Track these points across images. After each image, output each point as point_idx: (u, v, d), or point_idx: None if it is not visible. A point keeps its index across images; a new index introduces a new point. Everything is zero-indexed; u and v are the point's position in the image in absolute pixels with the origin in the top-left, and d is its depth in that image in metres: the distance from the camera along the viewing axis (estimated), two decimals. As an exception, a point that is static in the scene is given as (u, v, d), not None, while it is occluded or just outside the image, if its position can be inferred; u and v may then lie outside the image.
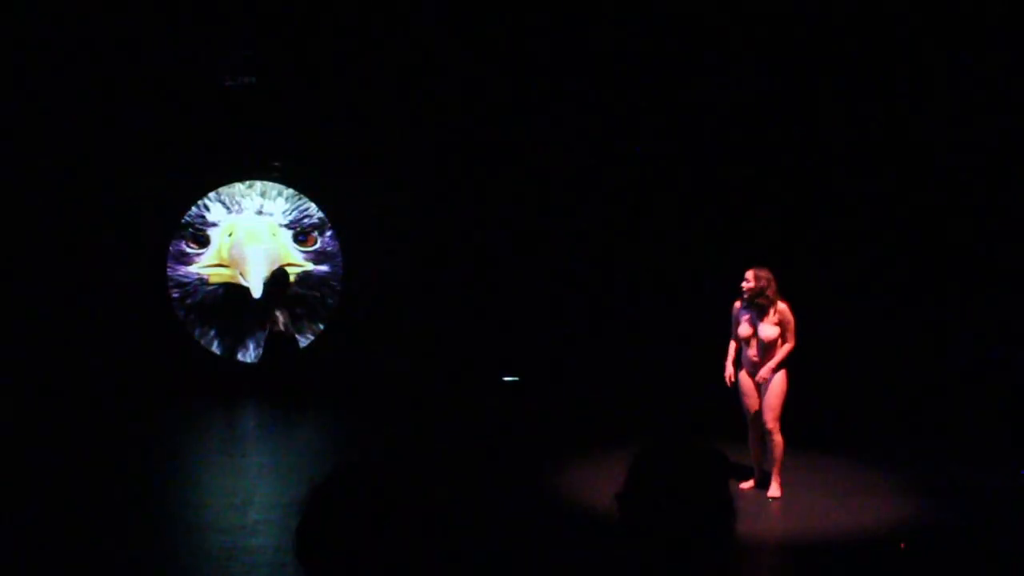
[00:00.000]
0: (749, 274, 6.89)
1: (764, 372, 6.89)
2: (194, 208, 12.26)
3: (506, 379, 12.05)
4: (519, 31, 10.91)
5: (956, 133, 10.40)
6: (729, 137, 11.34)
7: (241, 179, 12.34)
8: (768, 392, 6.90)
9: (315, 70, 11.43)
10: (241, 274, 12.27)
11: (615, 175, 11.96)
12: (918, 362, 10.23)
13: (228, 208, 12.29)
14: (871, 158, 10.95)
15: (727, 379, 7.08)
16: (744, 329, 6.95)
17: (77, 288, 11.43)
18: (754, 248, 9.73)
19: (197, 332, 12.25)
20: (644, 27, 10.74)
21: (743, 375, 7.04)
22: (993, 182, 10.37)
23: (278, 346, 11.58)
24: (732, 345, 7.10)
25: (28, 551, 5.85)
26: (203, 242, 12.29)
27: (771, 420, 6.89)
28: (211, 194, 12.24)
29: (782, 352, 6.89)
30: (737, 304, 7.01)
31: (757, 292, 6.83)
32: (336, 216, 12.49)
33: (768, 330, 6.87)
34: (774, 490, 7.01)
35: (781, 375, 6.89)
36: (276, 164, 12.22)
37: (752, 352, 6.94)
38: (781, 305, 6.88)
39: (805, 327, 7.17)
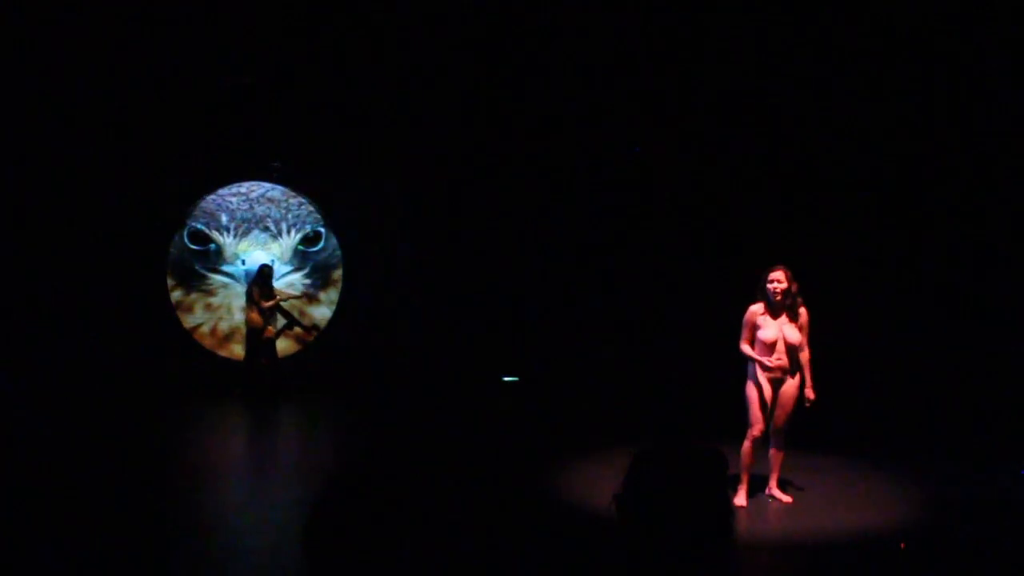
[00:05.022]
0: (780, 274, 6.58)
1: (809, 392, 6.62)
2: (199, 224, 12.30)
3: (506, 379, 12.06)
4: (519, 31, 10.91)
5: (960, 135, 10.40)
6: (732, 137, 11.35)
7: (241, 179, 12.36)
8: (788, 400, 6.69)
9: (315, 70, 11.44)
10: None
11: (615, 175, 11.97)
12: (918, 362, 10.22)
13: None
14: (874, 158, 10.95)
15: (771, 361, 6.57)
16: (771, 333, 6.59)
17: (77, 288, 11.44)
18: (754, 248, 9.74)
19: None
20: (644, 27, 10.74)
21: (763, 382, 6.67)
22: (991, 183, 10.37)
23: (260, 345, 11.55)
24: (749, 349, 6.68)
25: (28, 551, 5.85)
26: (205, 241, 12.32)
27: (787, 428, 6.78)
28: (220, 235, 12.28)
29: (809, 365, 6.67)
30: (756, 308, 6.65)
31: (788, 293, 6.58)
32: (335, 216, 12.51)
33: (795, 334, 6.60)
34: (779, 494, 7.00)
35: (798, 383, 6.72)
36: (276, 164, 12.23)
37: (776, 357, 6.62)
38: (802, 308, 6.66)
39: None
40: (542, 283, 12.05)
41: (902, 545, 6.02)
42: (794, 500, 6.97)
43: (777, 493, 6.99)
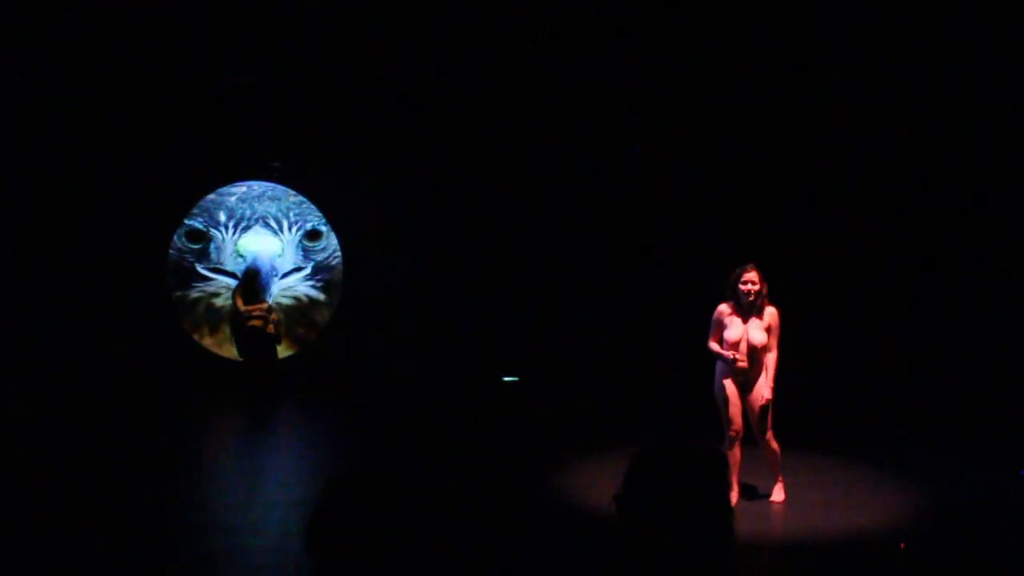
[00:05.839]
0: (753, 275, 6.53)
1: (767, 392, 6.57)
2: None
3: (506, 379, 12.06)
4: (519, 30, 10.91)
5: (955, 132, 10.40)
6: (729, 137, 11.35)
7: (241, 179, 12.36)
8: (759, 401, 6.65)
9: (315, 70, 11.44)
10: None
11: (615, 175, 11.97)
12: (918, 362, 10.22)
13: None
14: (867, 155, 10.96)
15: (731, 354, 6.55)
16: (735, 333, 6.58)
17: (76, 288, 11.43)
18: (753, 248, 9.72)
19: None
20: (644, 27, 10.74)
21: (729, 383, 6.67)
22: (991, 181, 10.37)
23: (258, 343, 11.60)
24: (717, 346, 6.69)
25: (28, 551, 5.85)
26: (203, 239, 12.30)
27: (767, 428, 6.71)
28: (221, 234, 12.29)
29: (774, 366, 6.63)
30: (724, 307, 6.64)
31: (759, 294, 6.55)
32: (335, 216, 12.51)
33: (760, 335, 6.57)
34: (779, 493, 6.97)
35: (769, 383, 6.67)
36: (276, 164, 12.23)
37: (740, 358, 6.58)
38: (771, 308, 6.62)
39: (804, 327, 7.10)
40: (542, 283, 12.05)
41: (902, 545, 6.02)
42: (794, 500, 6.96)
43: (778, 493, 6.98)
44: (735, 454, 6.76)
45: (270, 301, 12.09)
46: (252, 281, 11.88)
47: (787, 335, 6.81)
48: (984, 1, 9.72)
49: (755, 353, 6.61)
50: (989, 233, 10.36)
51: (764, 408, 6.66)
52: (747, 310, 6.61)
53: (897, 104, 10.57)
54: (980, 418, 9.28)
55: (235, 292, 11.90)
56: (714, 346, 6.72)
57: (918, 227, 10.76)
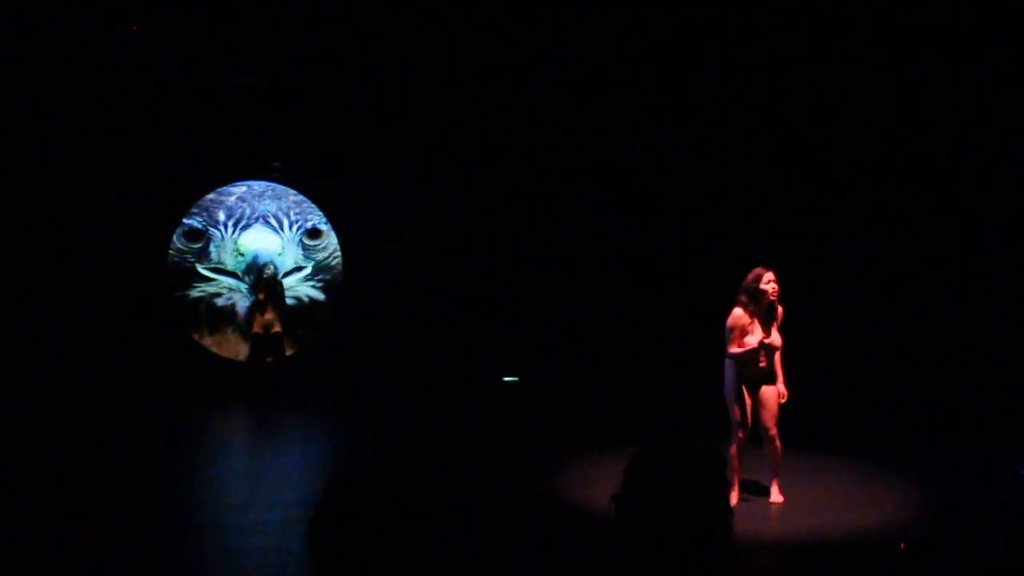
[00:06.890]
0: (772, 275, 6.64)
1: (784, 390, 6.73)
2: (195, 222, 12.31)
3: (506, 379, 12.06)
4: (519, 30, 10.91)
5: (955, 131, 10.40)
6: (728, 137, 11.35)
7: (242, 178, 12.36)
8: (770, 400, 6.73)
9: (315, 69, 11.44)
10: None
11: (615, 175, 11.97)
12: (918, 362, 10.22)
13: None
14: (867, 156, 10.96)
15: (758, 342, 6.60)
16: (757, 336, 6.64)
17: (75, 288, 11.43)
18: (754, 248, 9.73)
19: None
20: (643, 27, 10.74)
21: (742, 384, 6.70)
22: (992, 180, 10.37)
23: (265, 345, 11.64)
24: (739, 349, 6.66)
25: (29, 551, 5.86)
26: (202, 237, 12.30)
27: (775, 426, 6.76)
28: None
29: (780, 362, 6.76)
30: (741, 313, 6.65)
31: (777, 296, 6.68)
32: (336, 216, 12.51)
33: (777, 336, 6.70)
34: (777, 494, 6.98)
35: (775, 383, 6.77)
36: (276, 164, 12.23)
37: (759, 359, 6.67)
38: (780, 308, 6.72)
39: (805, 327, 7.11)
40: (542, 283, 12.05)
41: (902, 545, 6.02)
42: (794, 500, 6.96)
43: (776, 494, 6.98)
44: (736, 457, 6.77)
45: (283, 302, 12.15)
46: (262, 277, 11.89)
47: (788, 335, 6.87)
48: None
49: (771, 353, 6.72)
50: (989, 233, 10.36)
51: (780, 404, 6.75)
52: (765, 311, 6.68)
53: (898, 104, 10.57)
54: (980, 418, 9.28)
55: (254, 295, 11.96)
56: (736, 349, 6.69)
57: (918, 226, 10.75)
